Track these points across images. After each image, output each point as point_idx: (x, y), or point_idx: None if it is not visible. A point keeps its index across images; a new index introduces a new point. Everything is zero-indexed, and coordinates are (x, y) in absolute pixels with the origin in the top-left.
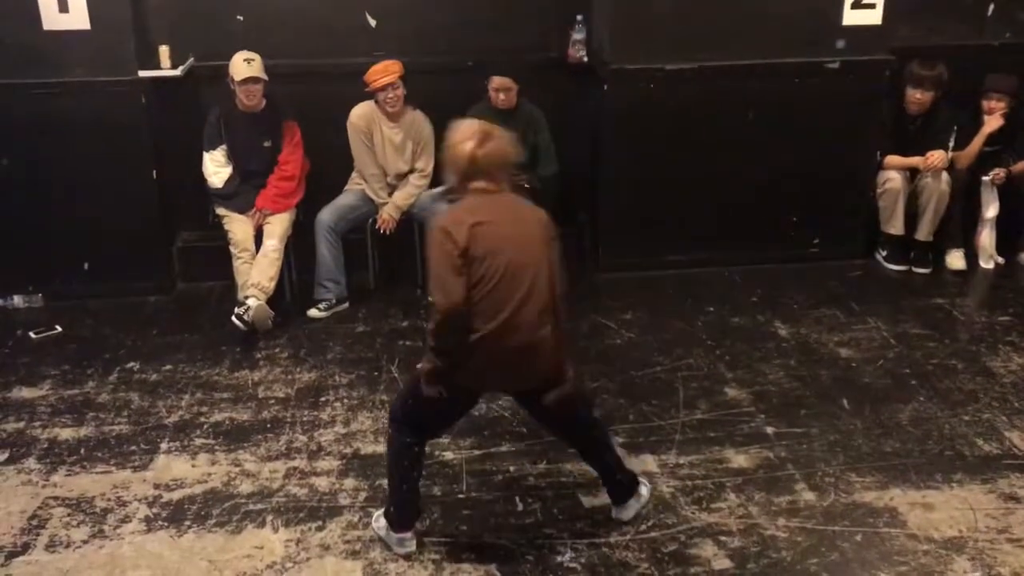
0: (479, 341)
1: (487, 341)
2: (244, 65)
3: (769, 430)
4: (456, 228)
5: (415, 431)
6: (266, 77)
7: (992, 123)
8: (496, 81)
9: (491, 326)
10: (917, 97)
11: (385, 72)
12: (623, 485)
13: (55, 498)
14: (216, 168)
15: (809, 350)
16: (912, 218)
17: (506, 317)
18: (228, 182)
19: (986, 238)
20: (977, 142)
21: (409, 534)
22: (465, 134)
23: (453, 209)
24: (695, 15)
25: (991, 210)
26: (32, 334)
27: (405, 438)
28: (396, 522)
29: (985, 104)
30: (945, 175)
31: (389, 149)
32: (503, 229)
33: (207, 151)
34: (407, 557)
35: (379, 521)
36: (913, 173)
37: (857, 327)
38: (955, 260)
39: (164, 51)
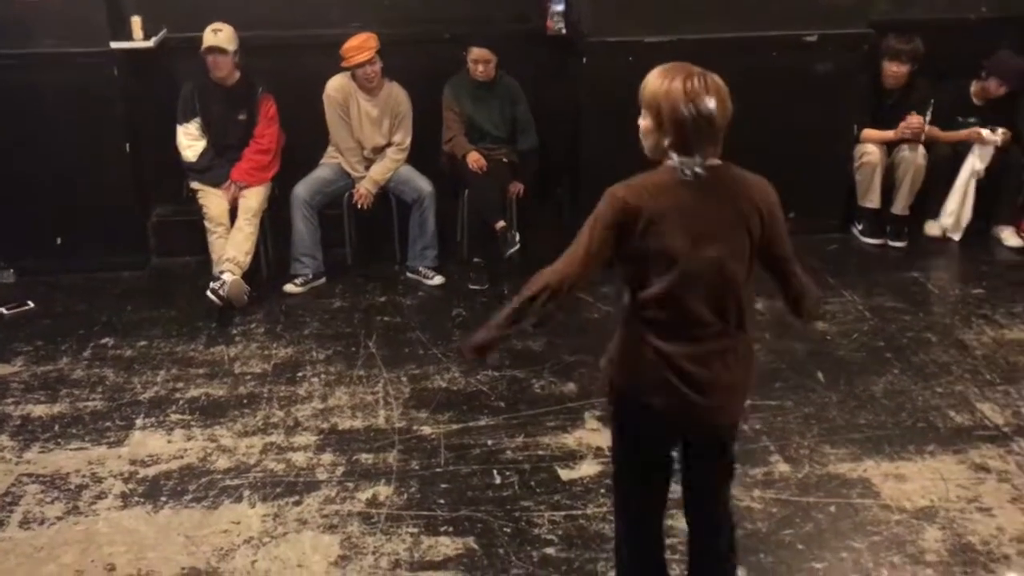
0: None
1: None
2: (211, 35)
3: (744, 403)
4: None
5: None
6: (233, 48)
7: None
8: (475, 53)
9: None
10: (893, 70)
11: (361, 48)
12: None
13: (29, 475)
14: (190, 141)
15: (784, 323)
16: (888, 192)
17: None
18: (202, 155)
19: (959, 203)
20: (959, 135)
21: None
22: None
23: None
24: None
25: (979, 162)
26: (4, 310)
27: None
28: None
29: (984, 84)
30: (922, 149)
31: (366, 122)
32: None
33: (180, 124)
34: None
35: None
36: (890, 147)
37: (833, 300)
38: (932, 227)
39: (136, 22)
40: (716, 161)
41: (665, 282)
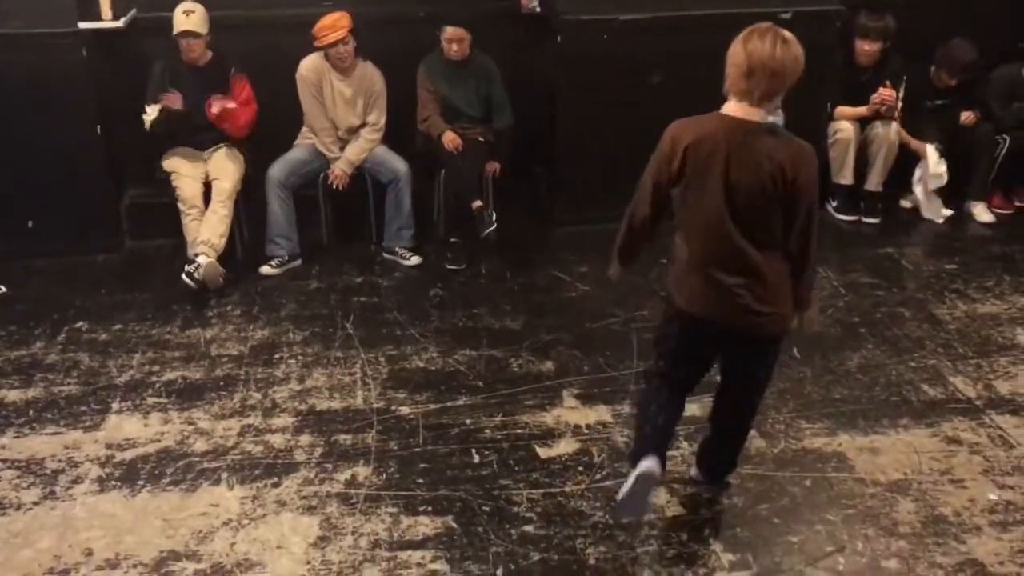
0: None
1: None
2: (183, 17)
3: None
4: None
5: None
6: (205, 30)
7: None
8: (449, 31)
9: None
10: (865, 48)
11: (334, 27)
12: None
13: (3, 460)
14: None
15: None
16: (862, 168)
17: None
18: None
19: (925, 194)
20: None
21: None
22: None
23: None
24: None
25: (940, 178)
26: None
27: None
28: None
29: (938, 73)
30: (895, 125)
31: (340, 103)
32: None
33: (149, 104)
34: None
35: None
36: (863, 124)
37: None
38: (908, 201)
39: (105, 1)
40: (763, 114)
41: (695, 215)
